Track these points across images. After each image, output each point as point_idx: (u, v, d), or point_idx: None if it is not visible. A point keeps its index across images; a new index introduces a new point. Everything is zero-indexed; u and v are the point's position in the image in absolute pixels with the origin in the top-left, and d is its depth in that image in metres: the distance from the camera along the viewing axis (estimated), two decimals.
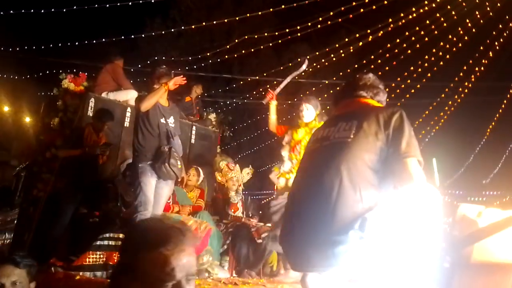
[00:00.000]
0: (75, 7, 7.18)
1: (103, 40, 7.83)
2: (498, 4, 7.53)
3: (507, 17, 7.70)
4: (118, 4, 6.81)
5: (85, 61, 7.86)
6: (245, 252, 4.42)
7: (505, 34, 7.93)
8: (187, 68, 9.19)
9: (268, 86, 11.02)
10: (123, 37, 7.93)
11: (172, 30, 8.78)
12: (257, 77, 10.40)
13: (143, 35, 8.87)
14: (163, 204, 3.90)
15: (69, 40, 8.03)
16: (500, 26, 7.92)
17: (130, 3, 6.84)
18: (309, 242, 1.77)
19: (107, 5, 6.81)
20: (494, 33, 8.09)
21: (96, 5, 7.06)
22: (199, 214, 4.43)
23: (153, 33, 8.86)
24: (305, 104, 4.18)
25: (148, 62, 8.66)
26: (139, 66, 8.40)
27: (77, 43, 7.86)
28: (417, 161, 1.73)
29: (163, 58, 9.58)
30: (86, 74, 6.37)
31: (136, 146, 3.73)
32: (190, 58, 9.40)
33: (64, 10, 7.16)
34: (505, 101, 9.81)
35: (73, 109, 5.76)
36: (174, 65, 10.08)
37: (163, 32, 8.63)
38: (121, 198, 4.76)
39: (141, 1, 6.83)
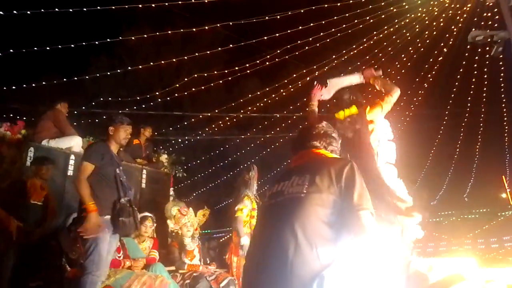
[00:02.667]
0: (11, 51, 6.78)
1: (44, 83, 7.42)
2: (427, 41, 8.24)
3: (435, 52, 8.43)
4: (60, 46, 6.54)
5: (24, 106, 7.38)
6: None
7: (435, 68, 8.65)
8: (135, 107, 8.93)
9: (220, 122, 11.04)
10: (65, 80, 7.57)
11: (118, 71, 8.53)
12: (209, 114, 10.37)
13: (87, 77, 8.53)
14: (110, 260, 3.60)
15: (5, 84, 7.55)
16: (431, 60, 8.64)
17: (72, 46, 6.58)
18: None
19: (48, 48, 6.50)
20: (426, 66, 8.79)
21: (36, 48, 6.71)
22: (152, 267, 4.14)
23: (98, 74, 8.56)
24: None
25: (93, 103, 8.32)
26: (84, 108, 8.02)
27: (14, 87, 7.38)
28: (370, 213, 1.74)
29: (109, 98, 9.25)
30: (24, 120, 5.96)
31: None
32: (138, 98, 9.17)
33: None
34: (442, 127, 10.56)
35: (10, 160, 5.30)
36: (122, 105, 9.80)
37: (108, 73, 8.35)
38: (66, 256, 4.36)
39: (84, 43, 6.61)
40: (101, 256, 3.28)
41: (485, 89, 10.00)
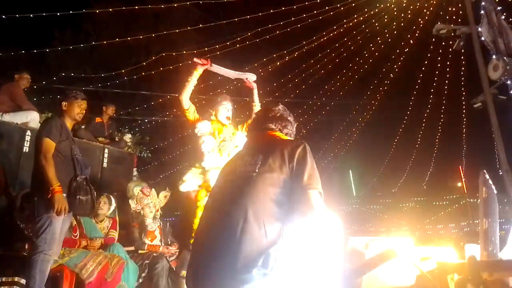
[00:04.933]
0: None
1: (0, 54, 6.99)
2: (395, 32, 8.43)
3: (402, 43, 8.64)
4: (17, 15, 6.17)
5: None
6: (164, 284, 4.19)
7: (401, 59, 8.88)
8: (100, 85, 8.62)
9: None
10: (23, 52, 7.15)
11: (82, 45, 8.18)
12: (177, 94, 10.14)
13: (47, 50, 8.11)
14: (62, 239, 3.52)
15: None
16: (398, 51, 8.86)
17: (31, 16, 6.22)
18: (214, 282, 1.72)
19: (3, 16, 6.11)
20: (393, 57, 9.01)
21: None
22: (110, 247, 4.09)
23: (59, 48, 8.16)
24: (230, 103, 3.89)
25: (55, 78, 7.94)
26: (44, 82, 7.64)
27: None
28: (318, 193, 1.78)
29: (72, 74, 8.86)
30: None
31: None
32: (103, 75, 8.84)
33: None
34: (406, 117, 10.91)
35: None
36: (87, 81, 9.45)
37: (70, 47, 7.99)
38: (21, 233, 4.22)
39: (44, 14, 6.26)
40: (54, 235, 3.21)
41: (447, 81, 10.44)
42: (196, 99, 4.29)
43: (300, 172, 1.79)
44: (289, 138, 2.15)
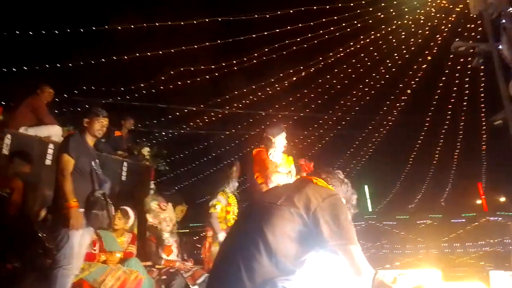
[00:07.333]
0: None
1: (24, 68, 7.22)
2: (413, 48, 8.41)
3: (420, 59, 8.60)
4: (43, 32, 6.38)
5: (3, 90, 7.17)
6: None
7: (419, 75, 8.83)
8: (119, 98, 8.81)
9: (205, 116, 11.00)
10: (47, 66, 7.37)
11: (103, 60, 8.43)
12: (194, 108, 10.31)
13: (70, 64, 8.37)
14: (83, 254, 3.56)
15: None
16: (415, 67, 8.81)
17: (56, 32, 6.43)
18: None
19: (30, 33, 6.33)
20: (410, 73, 8.97)
21: (17, 32, 6.53)
22: (127, 262, 4.11)
23: (81, 62, 8.41)
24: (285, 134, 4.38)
25: (76, 91, 8.15)
26: (65, 95, 7.84)
27: None
28: (344, 246, 1.72)
29: (93, 88, 9.09)
30: (2, 105, 5.81)
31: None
32: (122, 89, 9.04)
33: None
34: (423, 133, 10.79)
35: None
36: (105, 94, 9.64)
37: (92, 62, 8.24)
38: (42, 245, 4.28)
39: (68, 30, 6.46)
40: (72, 250, 3.25)
41: (466, 98, 10.32)
42: None
43: (323, 225, 1.75)
44: (326, 186, 2.02)
